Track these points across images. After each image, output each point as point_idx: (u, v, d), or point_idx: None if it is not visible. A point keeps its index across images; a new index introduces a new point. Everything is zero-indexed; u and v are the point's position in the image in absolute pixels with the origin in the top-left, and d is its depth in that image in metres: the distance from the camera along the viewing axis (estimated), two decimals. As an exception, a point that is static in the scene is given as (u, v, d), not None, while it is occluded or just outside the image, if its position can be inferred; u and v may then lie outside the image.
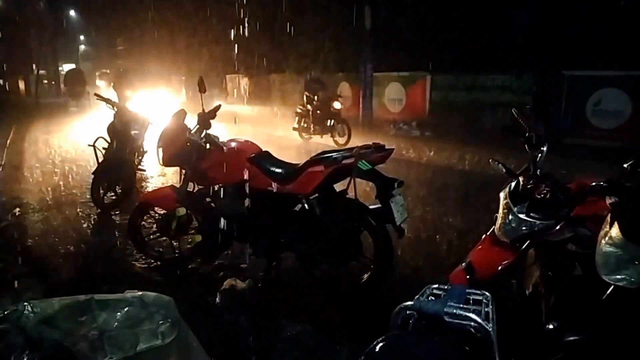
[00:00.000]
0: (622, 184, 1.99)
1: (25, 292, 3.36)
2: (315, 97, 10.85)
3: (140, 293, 1.68)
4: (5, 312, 1.47)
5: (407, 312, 1.29)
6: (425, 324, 1.26)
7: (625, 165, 2.09)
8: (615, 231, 1.82)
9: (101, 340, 1.50)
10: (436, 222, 5.13)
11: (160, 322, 1.58)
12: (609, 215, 1.92)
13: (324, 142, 10.43)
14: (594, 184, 2.10)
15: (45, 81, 29.78)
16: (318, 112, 10.71)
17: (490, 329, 1.17)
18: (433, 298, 1.30)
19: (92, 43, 47.64)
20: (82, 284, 3.62)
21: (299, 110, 11.24)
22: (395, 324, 1.28)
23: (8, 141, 10.05)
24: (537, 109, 8.68)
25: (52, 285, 3.59)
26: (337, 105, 10.67)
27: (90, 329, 1.50)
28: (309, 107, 10.92)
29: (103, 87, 28.71)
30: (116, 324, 1.53)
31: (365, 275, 3.37)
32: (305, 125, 11.06)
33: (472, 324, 1.18)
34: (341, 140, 10.35)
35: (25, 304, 1.51)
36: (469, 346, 1.17)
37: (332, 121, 10.55)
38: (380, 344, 1.14)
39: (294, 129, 11.27)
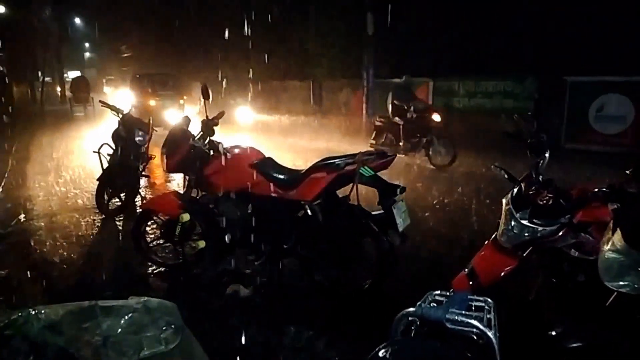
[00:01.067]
0: (625, 190, 2.00)
1: (29, 298, 3.37)
2: (411, 108, 8.63)
3: (144, 299, 1.69)
4: (10, 318, 1.48)
5: (409, 318, 1.29)
6: (427, 330, 1.26)
7: (627, 172, 2.09)
8: (617, 237, 1.82)
9: (105, 346, 1.50)
10: (436, 227, 5.13)
11: (164, 328, 1.59)
12: (612, 221, 1.92)
13: (415, 162, 8.73)
14: (596, 190, 2.11)
15: (51, 88, 29.97)
16: (410, 125, 8.58)
17: (492, 336, 1.17)
18: (435, 304, 1.31)
19: (97, 50, 47.95)
20: (86, 290, 3.64)
21: (378, 123, 9.30)
22: (397, 330, 1.29)
23: (14, 148, 10.10)
24: (539, 114, 8.68)
25: (56, 291, 3.60)
26: (437, 117, 8.50)
27: (94, 335, 1.51)
28: (396, 119, 8.82)
29: (109, 92, 28.89)
30: (120, 330, 1.54)
31: (368, 281, 3.37)
32: (389, 141, 8.97)
33: (474, 330, 1.19)
34: (441, 161, 8.37)
35: (30, 310, 1.52)
36: (471, 352, 1.17)
37: (430, 137, 8.43)
38: (383, 350, 1.15)
39: (372, 145, 9.12)
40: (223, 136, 4.00)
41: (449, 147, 8.29)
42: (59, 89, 29.65)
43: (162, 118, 11.33)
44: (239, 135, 11.70)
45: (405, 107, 8.72)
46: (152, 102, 14.84)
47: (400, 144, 8.67)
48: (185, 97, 16.53)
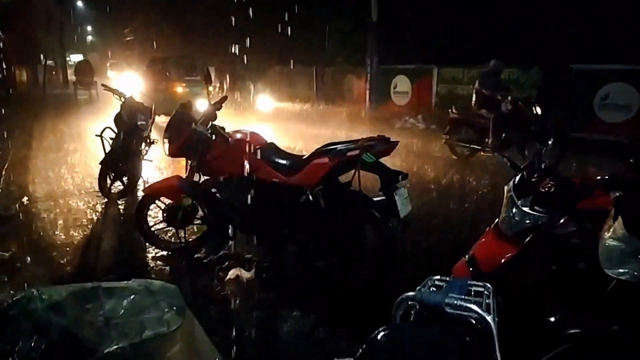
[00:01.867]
0: (627, 178, 1.99)
1: (33, 279, 3.40)
2: (508, 98, 7.19)
3: (146, 281, 1.70)
4: (14, 299, 1.50)
5: (409, 302, 1.30)
6: (427, 314, 1.27)
7: (630, 160, 2.08)
8: (619, 225, 1.82)
9: (107, 327, 1.52)
10: (440, 216, 5.13)
11: (166, 310, 1.61)
12: (613, 209, 1.92)
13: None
14: (598, 178, 2.11)
15: (54, 72, 29.88)
16: (503, 118, 7.17)
17: (491, 320, 1.18)
18: (434, 289, 1.31)
19: (99, 34, 47.71)
20: (88, 272, 3.67)
21: (454, 116, 8.01)
22: (396, 314, 1.29)
23: (16, 131, 10.10)
24: (544, 102, 8.60)
25: (59, 274, 3.63)
26: (538, 110, 7.00)
27: (96, 315, 1.52)
28: (483, 111, 7.57)
29: (113, 77, 28.75)
30: (122, 311, 1.56)
31: (368, 267, 3.39)
32: (469, 136, 7.76)
33: (473, 315, 1.19)
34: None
35: (34, 291, 1.53)
36: (470, 337, 1.18)
37: (527, 133, 6.66)
38: (382, 333, 1.16)
39: (446, 141, 8.15)
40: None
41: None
42: (61, 72, 29.54)
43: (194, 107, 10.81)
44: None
45: (499, 98, 7.32)
46: (179, 89, 13.34)
47: (488, 140, 7.35)
48: (217, 84, 15.26)
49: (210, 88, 5.24)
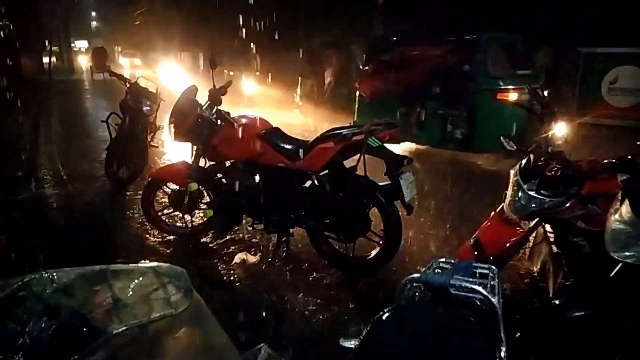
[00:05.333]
0: (634, 161, 1.98)
1: (42, 262, 3.44)
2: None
3: (153, 264, 1.72)
4: (24, 281, 1.52)
5: (414, 284, 1.31)
6: (431, 296, 1.28)
7: (638, 143, 2.06)
8: (625, 208, 1.81)
9: (116, 309, 1.53)
10: (443, 201, 5.13)
11: (173, 292, 1.62)
12: (620, 192, 1.91)
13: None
14: (605, 161, 2.09)
15: (58, 58, 29.86)
16: None
17: (496, 302, 1.18)
18: (440, 271, 1.31)
19: (104, 19, 47.50)
20: (96, 256, 3.70)
21: None
22: (401, 295, 1.30)
23: (23, 117, 10.14)
24: (551, 86, 8.49)
25: (67, 257, 3.67)
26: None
27: (105, 297, 1.54)
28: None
29: (126, 64, 28.70)
30: (130, 293, 1.57)
31: (374, 251, 3.40)
32: None
33: (478, 296, 1.19)
34: None
35: (43, 273, 1.55)
36: (475, 318, 1.18)
37: None
38: (386, 315, 1.17)
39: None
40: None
41: None
42: (67, 58, 29.52)
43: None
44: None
45: None
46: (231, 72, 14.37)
47: None
48: (257, 72, 15.49)
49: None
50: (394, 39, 8.45)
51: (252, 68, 16.18)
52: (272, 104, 12.55)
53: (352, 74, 9.84)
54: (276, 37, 15.92)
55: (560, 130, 2.68)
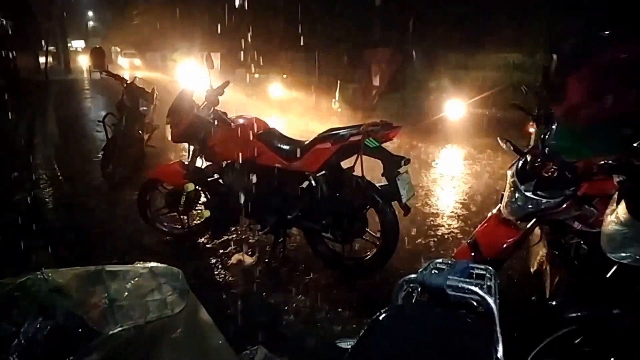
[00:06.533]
0: (631, 162, 1.98)
1: (37, 262, 3.42)
2: None
3: (150, 264, 1.71)
4: (20, 281, 1.51)
5: (410, 285, 1.31)
6: (428, 297, 1.28)
7: (634, 144, 2.07)
8: (622, 209, 1.82)
9: (111, 310, 1.53)
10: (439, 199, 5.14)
11: (169, 292, 1.62)
12: (616, 193, 1.91)
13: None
14: (601, 162, 2.09)
15: (54, 59, 29.80)
16: None
17: (493, 302, 1.18)
18: (436, 272, 1.31)
19: (100, 19, 47.41)
20: (92, 256, 3.69)
21: None
22: (398, 296, 1.30)
23: (20, 118, 10.10)
24: (548, 87, 8.50)
25: (63, 257, 3.66)
26: None
27: (101, 298, 1.54)
28: None
29: (126, 64, 28.62)
30: (126, 293, 1.57)
31: (371, 252, 3.40)
32: None
33: (475, 297, 1.20)
34: None
35: (39, 273, 1.55)
36: (471, 319, 1.18)
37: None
38: (383, 315, 1.17)
39: None
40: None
41: None
42: (63, 59, 29.45)
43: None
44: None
45: None
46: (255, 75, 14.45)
47: None
48: (285, 75, 14.83)
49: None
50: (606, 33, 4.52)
51: (279, 70, 15.30)
52: (305, 110, 11.35)
53: (406, 78, 8.73)
54: (307, 35, 15.14)
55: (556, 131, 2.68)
